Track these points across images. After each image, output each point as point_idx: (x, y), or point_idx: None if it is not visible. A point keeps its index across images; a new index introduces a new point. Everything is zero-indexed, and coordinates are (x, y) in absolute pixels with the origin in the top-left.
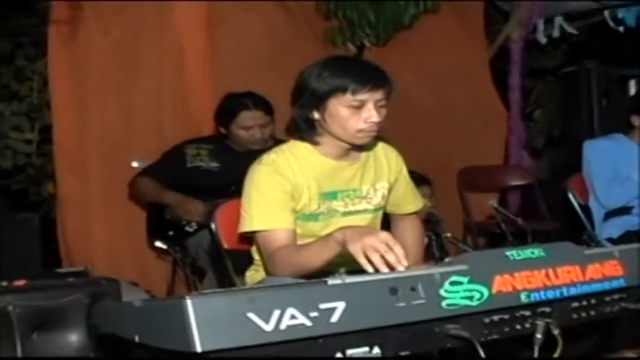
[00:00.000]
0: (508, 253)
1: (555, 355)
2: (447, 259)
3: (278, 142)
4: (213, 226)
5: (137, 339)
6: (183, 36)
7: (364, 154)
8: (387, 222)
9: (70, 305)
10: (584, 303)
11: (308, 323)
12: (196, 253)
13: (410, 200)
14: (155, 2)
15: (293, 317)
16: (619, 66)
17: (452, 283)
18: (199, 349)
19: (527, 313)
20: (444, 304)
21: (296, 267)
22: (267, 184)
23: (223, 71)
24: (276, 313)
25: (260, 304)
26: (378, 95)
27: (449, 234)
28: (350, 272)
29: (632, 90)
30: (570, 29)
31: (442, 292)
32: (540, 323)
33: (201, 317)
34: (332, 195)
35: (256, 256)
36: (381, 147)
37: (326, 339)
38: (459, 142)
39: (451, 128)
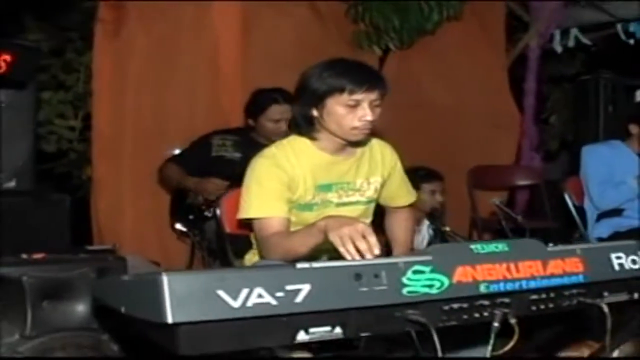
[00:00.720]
0: (473, 246)
1: (512, 343)
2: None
3: None
4: (218, 212)
5: (123, 310)
6: (218, 36)
7: (359, 150)
8: (381, 214)
9: (77, 278)
10: (543, 296)
11: (273, 302)
12: (211, 236)
13: (403, 194)
14: (193, 4)
15: (260, 295)
16: (628, 76)
17: (415, 272)
18: (170, 320)
19: (486, 303)
20: (404, 290)
21: (285, 253)
22: (266, 175)
23: (254, 70)
24: (244, 291)
25: (230, 283)
26: (373, 95)
27: (447, 228)
28: (333, 259)
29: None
30: (584, 40)
31: (404, 279)
32: (498, 312)
33: (175, 292)
34: (327, 187)
35: (255, 241)
36: (377, 143)
37: (290, 317)
38: (474, 142)
39: (467, 128)
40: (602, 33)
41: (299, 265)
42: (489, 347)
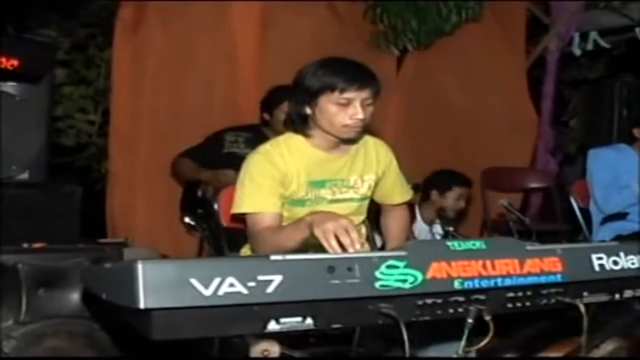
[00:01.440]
0: (449, 243)
1: (486, 339)
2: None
3: None
4: (216, 206)
5: (104, 296)
6: (236, 35)
7: (354, 147)
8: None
9: (72, 267)
10: (519, 294)
11: (244, 291)
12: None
13: (398, 192)
14: (212, 3)
15: (231, 285)
16: None
17: (389, 267)
18: (142, 305)
19: (461, 299)
20: (377, 284)
21: (276, 248)
22: (259, 171)
23: (271, 69)
24: (216, 280)
25: (203, 272)
26: (364, 94)
27: (451, 229)
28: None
29: None
30: (603, 43)
31: (377, 273)
32: (472, 309)
33: (148, 279)
34: (320, 184)
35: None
36: (372, 141)
37: (262, 306)
38: (490, 143)
39: (484, 130)
40: (621, 36)
41: (273, 257)
42: (462, 343)
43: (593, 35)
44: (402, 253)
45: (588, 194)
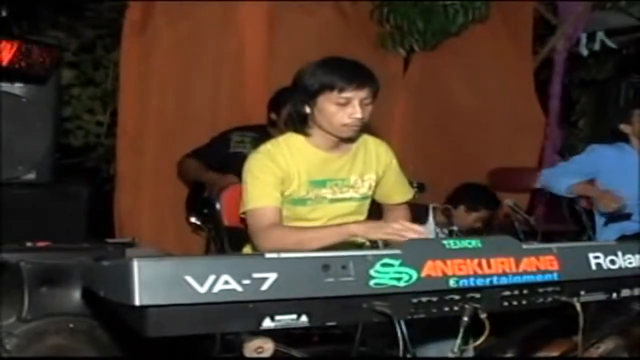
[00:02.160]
0: (445, 242)
1: (482, 338)
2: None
3: None
4: (218, 205)
5: (102, 293)
6: (244, 35)
7: (354, 147)
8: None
9: (74, 266)
10: (515, 292)
11: (239, 289)
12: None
13: (399, 192)
14: (219, 3)
15: (226, 282)
16: None
17: (384, 265)
18: (137, 302)
19: (456, 297)
20: (371, 282)
21: (292, 245)
22: (260, 169)
23: (279, 69)
24: (211, 278)
25: (198, 269)
26: (363, 93)
27: (455, 228)
28: None
29: None
30: (610, 44)
31: (371, 272)
32: (467, 307)
33: (144, 277)
34: (321, 183)
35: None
36: (372, 141)
37: (257, 304)
38: (497, 144)
39: (491, 130)
40: (629, 36)
41: (268, 255)
42: (458, 341)
43: (600, 35)
44: (397, 251)
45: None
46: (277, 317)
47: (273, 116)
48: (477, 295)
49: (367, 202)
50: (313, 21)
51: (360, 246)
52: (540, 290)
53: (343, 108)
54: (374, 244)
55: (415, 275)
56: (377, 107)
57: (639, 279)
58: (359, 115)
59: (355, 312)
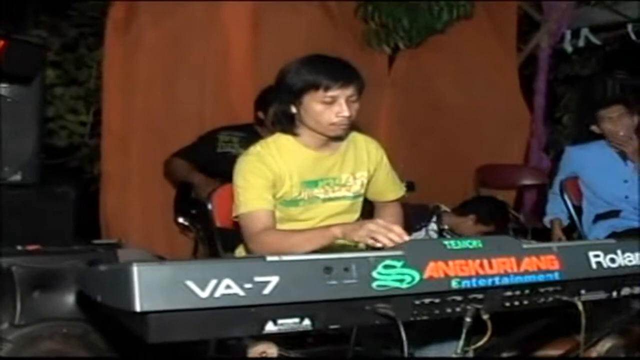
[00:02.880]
0: (446, 242)
1: (485, 339)
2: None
3: None
4: (209, 206)
5: (99, 299)
6: (229, 33)
7: (344, 145)
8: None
9: (67, 269)
10: (517, 292)
11: (241, 293)
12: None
13: (391, 189)
14: (205, 1)
15: (228, 287)
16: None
17: (386, 266)
18: (138, 308)
19: (459, 298)
20: (374, 284)
21: (281, 251)
22: (251, 171)
23: (264, 67)
24: (213, 282)
25: (199, 274)
26: (349, 91)
27: (446, 226)
28: None
29: None
30: (595, 40)
31: (374, 274)
32: (470, 308)
33: (144, 282)
34: (313, 184)
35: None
36: (362, 138)
37: (259, 308)
38: (483, 141)
39: (477, 127)
40: (613, 33)
41: (269, 258)
42: (461, 342)
43: (584, 32)
44: (399, 253)
45: (580, 191)
46: (280, 321)
47: (260, 115)
48: (480, 296)
49: (360, 200)
50: (298, 19)
51: (343, 247)
52: (542, 290)
53: (329, 107)
54: (358, 246)
55: (417, 277)
56: (362, 105)
57: (639, 277)
58: (346, 113)
59: (358, 314)
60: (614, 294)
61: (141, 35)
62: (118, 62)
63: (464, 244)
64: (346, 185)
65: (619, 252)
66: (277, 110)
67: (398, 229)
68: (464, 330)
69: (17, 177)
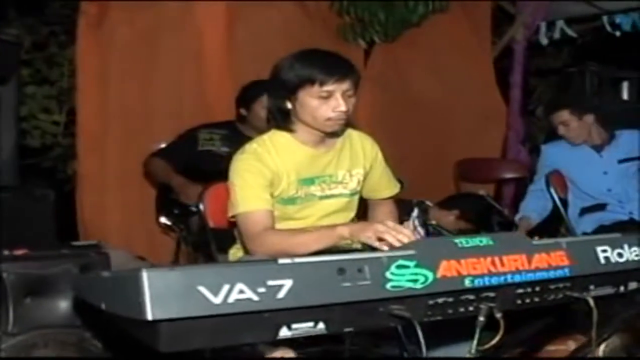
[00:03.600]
0: (457, 240)
1: (497, 337)
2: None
3: None
4: (201, 206)
5: (103, 306)
6: (203, 29)
7: (339, 142)
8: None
9: (59, 275)
10: (528, 290)
11: (255, 298)
12: (196, 231)
13: (385, 186)
14: None
15: (241, 291)
16: (614, 68)
17: (399, 267)
18: (149, 317)
19: (471, 297)
20: (388, 285)
21: (282, 251)
22: (248, 170)
23: (240, 63)
24: (225, 287)
25: (211, 279)
26: (345, 85)
27: (433, 222)
28: None
29: (625, 92)
30: (570, 32)
31: (387, 274)
32: (483, 307)
33: (154, 289)
34: (310, 181)
35: (239, 236)
36: (356, 135)
37: (272, 313)
38: (461, 135)
39: (454, 121)
40: (588, 25)
41: (281, 261)
42: (474, 342)
43: (560, 24)
44: (411, 252)
45: (565, 184)
46: (294, 326)
47: (243, 112)
48: (492, 295)
49: (356, 198)
50: (273, 15)
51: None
52: (552, 286)
53: (326, 102)
54: (364, 246)
55: (431, 277)
56: None
57: None
58: (343, 108)
59: (373, 316)
60: (621, 288)
61: (114, 33)
62: (91, 60)
63: (475, 241)
64: (343, 183)
65: (625, 246)
66: (271, 106)
67: (407, 231)
68: (478, 330)
69: None
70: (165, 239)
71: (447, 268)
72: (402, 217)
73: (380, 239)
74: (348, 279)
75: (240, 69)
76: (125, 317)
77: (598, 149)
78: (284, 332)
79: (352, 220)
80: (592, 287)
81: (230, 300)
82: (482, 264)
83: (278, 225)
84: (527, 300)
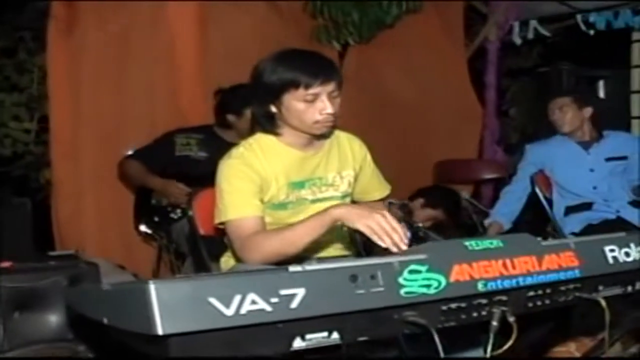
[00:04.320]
0: (467, 243)
1: (510, 341)
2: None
3: None
4: (191, 213)
5: (105, 321)
6: (175, 32)
7: (327, 143)
8: None
9: (49, 287)
10: (539, 292)
11: (268, 308)
12: (178, 239)
13: (376, 187)
14: (149, 0)
15: (254, 302)
16: (588, 67)
17: (411, 272)
18: (160, 331)
19: (484, 301)
20: (402, 291)
21: (276, 250)
22: (236, 175)
23: (213, 66)
24: (237, 298)
25: (222, 289)
26: (330, 87)
27: (420, 224)
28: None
29: (601, 90)
30: (544, 32)
31: (401, 280)
32: (496, 311)
33: (163, 302)
34: (300, 185)
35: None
36: (345, 137)
37: (286, 324)
38: (437, 136)
39: (430, 123)
40: (562, 24)
41: (292, 269)
42: (489, 347)
43: (533, 23)
44: (423, 256)
45: (550, 183)
46: (308, 336)
47: (231, 117)
48: (504, 298)
49: (348, 200)
50: (245, 17)
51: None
52: (563, 288)
53: (312, 105)
54: (356, 232)
55: (444, 281)
56: None
57: None
58: (329, 110)
59: (388, 324)
60: (629, 288)
61: (85, 38)
62: (63, 66)
63: (485, 244)
64: (334, 185)
65: (632, 245)
66: (255, 110)
67: (402, 232)
68: (492, 335)
69: None
70: (142, 246)
71: (459, 272)
72: None
73: (376, 233)
74: (361, 286)
75: (213, 72)
76: (131, 332)
77: (586, 146)
78: (298, 343)
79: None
80: (601, 287)
81: (243, 311)
82: (493, 266)
83: None
84: (539, 303)
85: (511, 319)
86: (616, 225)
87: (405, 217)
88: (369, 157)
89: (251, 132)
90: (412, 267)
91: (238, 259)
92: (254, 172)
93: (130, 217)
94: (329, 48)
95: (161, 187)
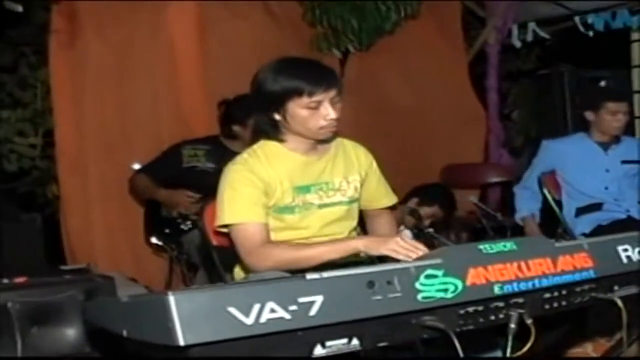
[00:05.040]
0: (482, 247)
1: (529, 344)
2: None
3: None
4: (201, 225)
5: (125, 334)
6: (175, 42)
7: (332, 149)
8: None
9: (66, 302)
10: (556, 294)
11: (288, 317)
12: (190, 250)
13: (383, 196)
14: (148, 10)
15: (273, 311)
16: (589, 69)
17: (428, 277)
18: (182, 343)
19: (501, 304)
20: (419, 297)
21: (288, 264)
22: (240, 181)
23: (214, 75)
24: (256, 307)
25: (241, 299)
26: (332, 93)
27: (431, 230)
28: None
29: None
30: (543, 34)
31: (417, 285)
32: (513, 314)
33: (184, 313)
34: (306, 189)
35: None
36: (349, 144)
37: (306, 331)
38: (440, 141)
39: (433, 128)
40: (561, 26)
41: (310, 277)
42: (508, 350)
43: (532, 26)
44: (439, 261)
45: (559, 185)
46: (328, 344)
47: (237, 129)
48: (521, 301)
49: (356, 206)
50: (245, 25)
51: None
52: (578, 289)
53: (316, 111)
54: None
55: (460, 285)
56: None
57: None
58: (333, 116)
59: (406, 329)
60: None
61: (87, 51)
62: (65, 80)
63: (499, 247)
64: (341, 190)
65: None
66: (259, 118)
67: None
68: (510, 338)
69: None
70: (153, 259)
71: (475, 275)
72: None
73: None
74: (378, 292)
75: (215, 80)
76: (152, 344)
77: (605, 147)
78: (319, 351)
79: (355, 229)
80: (616, 287)
81: (263, 320)
82: (509, 269)
83: (278, 236)
84: (555, 305)
85: (529, 322)
86: (627, 225)
87: (417, 222)
88: (375, 165)
89: (253, 140)
90: (429, 272)
91: (243, 266)
92: (257, 179)
93: (139, 230)
94: (329, 56)
95: (169, 197)
